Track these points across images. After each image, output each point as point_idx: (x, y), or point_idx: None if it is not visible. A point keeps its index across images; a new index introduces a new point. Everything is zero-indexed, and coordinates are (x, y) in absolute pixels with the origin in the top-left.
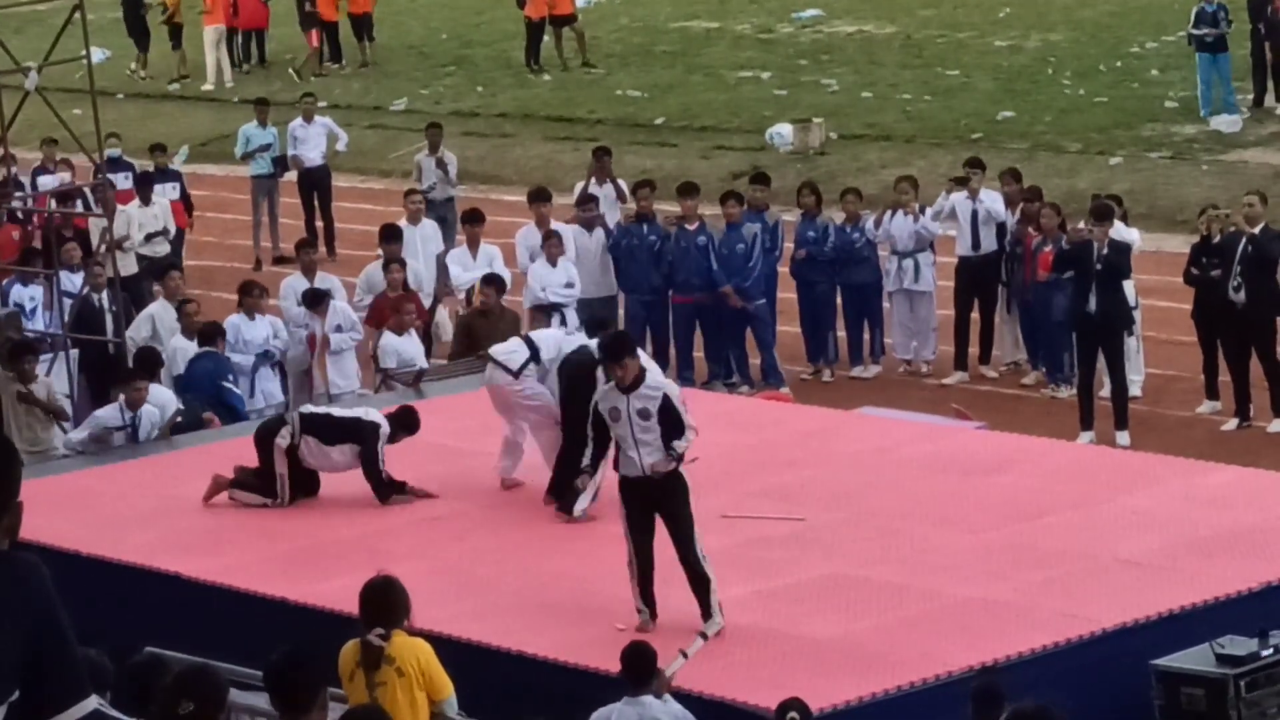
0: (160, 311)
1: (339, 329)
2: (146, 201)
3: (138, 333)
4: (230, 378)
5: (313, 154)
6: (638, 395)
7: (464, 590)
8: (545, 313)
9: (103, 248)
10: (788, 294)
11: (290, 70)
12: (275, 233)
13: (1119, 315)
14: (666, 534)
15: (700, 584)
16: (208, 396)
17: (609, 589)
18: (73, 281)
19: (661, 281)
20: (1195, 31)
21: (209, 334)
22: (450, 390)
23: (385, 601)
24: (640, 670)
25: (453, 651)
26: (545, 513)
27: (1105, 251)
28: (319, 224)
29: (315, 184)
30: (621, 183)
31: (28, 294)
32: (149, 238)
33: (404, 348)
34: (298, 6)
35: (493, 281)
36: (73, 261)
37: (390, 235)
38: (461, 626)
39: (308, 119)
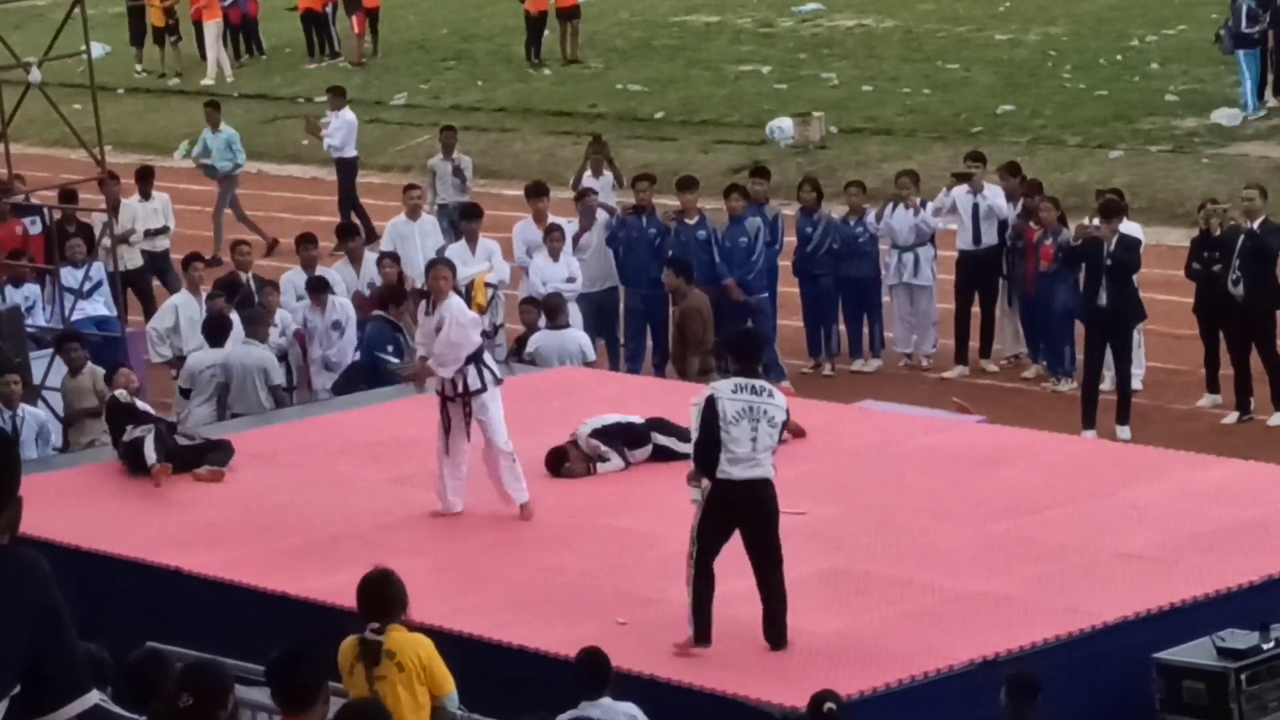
0: (184, 302)
1: (337, 324)
2: (146, 197)
3: (161, 323)
4: (389, 348)
5: (334, 141)
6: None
7: (464, 585)
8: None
9: (105, 241)
10: (789, 288)
11: (343, 62)
12: (219, 230)
13: (1130, 309)
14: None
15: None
16: (365, 362)
17: (609, 583)
18: (74, 277)
19: (661, 275)
20: (1247, 30)
21: (384, 299)
22: None
23: (381, 596)
24: (597, 673)
25: (453, 646)
26: (546, 507)
27: (1113, 248)
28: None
29: (342, 174)
30: (618, 166)
31: (21, 295)
32: (146, 235)
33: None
34: None
35: (673, 263)
36: (77, 257)
37: (346, 233)
38: (461, 621)
39: (335, 110)
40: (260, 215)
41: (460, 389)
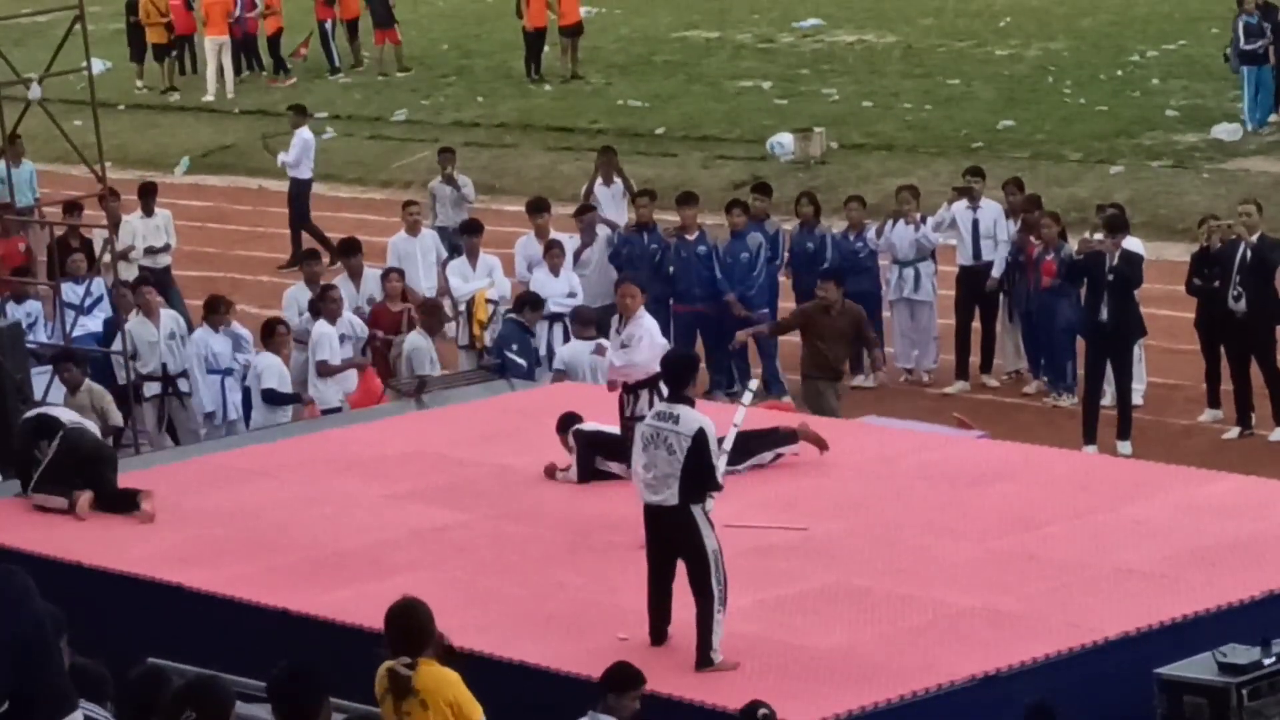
0: (136, 325)
1: (344, 338)
2: (149, 213)
3: (118, 348)
4: (515, 346)
5: (289, 159)
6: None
7: (466, 601)
8: (547, 322)
9: (105, 258)
10: (790, 304)
11: (343, 77)
12: None
13: (1131, 325)
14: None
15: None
16: (496, 359)
17: (611, 599)
18: (75, 293)
19: (662, 290)
20: (1248, 46)
21: (520, 302)
22: (451, 400)
23: (405, 628)
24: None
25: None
26: (548, 523)
27: (1116, 262)
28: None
29: (294, 192)
30: (627, 175)
31: (23, 311)
32: (148, 252)
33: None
34: (372, 7)
35: (832, 275)
36: (78, 273)
37: (348, 249)
38: (464, 638)
39: (295, 127)
40: (261, 232)
41: (631, 412)
